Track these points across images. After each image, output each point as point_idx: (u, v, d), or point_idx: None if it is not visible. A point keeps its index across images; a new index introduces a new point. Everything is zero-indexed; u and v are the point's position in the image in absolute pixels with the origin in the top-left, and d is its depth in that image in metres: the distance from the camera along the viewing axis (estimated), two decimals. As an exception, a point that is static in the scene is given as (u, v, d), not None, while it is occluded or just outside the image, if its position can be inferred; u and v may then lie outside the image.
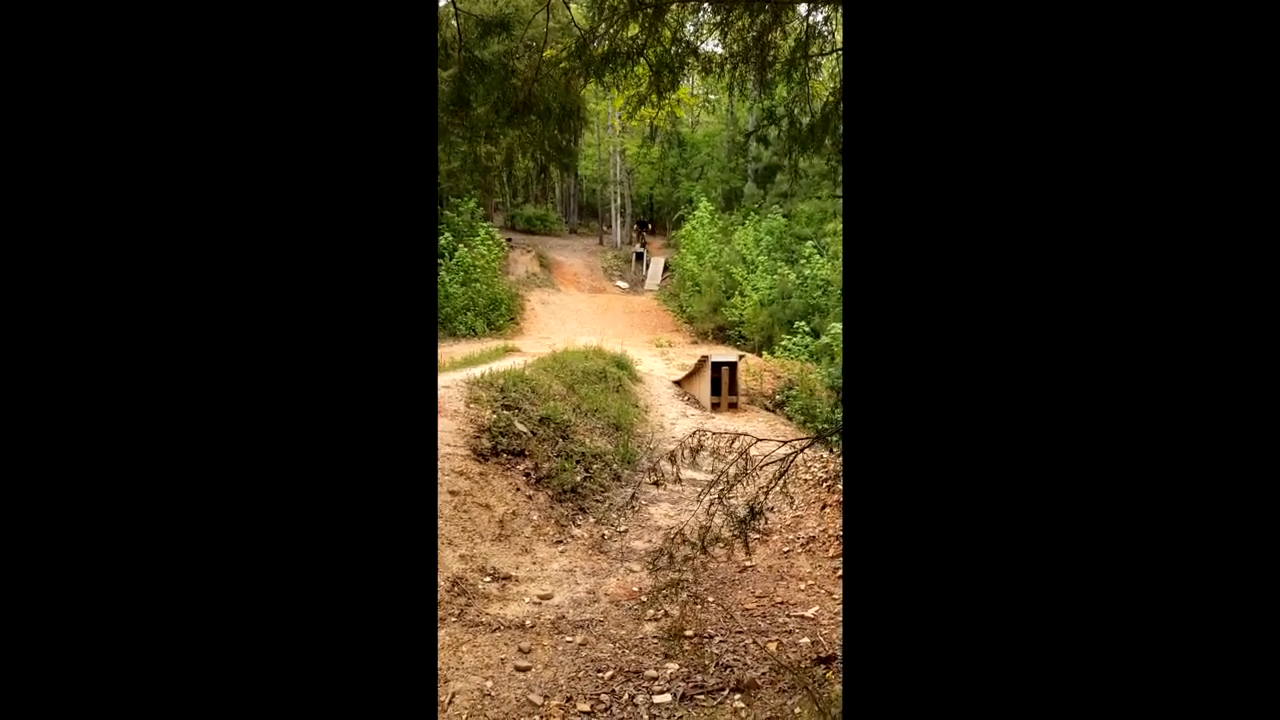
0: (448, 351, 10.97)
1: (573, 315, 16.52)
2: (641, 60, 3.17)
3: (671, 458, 3.23)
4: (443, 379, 6.30)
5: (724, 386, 8.61)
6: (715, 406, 8.55)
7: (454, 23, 4.40)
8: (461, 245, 16.99)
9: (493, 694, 2.90)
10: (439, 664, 3.08)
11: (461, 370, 7.27)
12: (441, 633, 3.34)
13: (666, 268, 20.28)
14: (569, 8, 3.35)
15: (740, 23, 3.55)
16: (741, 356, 9.78)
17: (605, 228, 25.45)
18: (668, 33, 3.19)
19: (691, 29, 3.77)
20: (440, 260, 16.74)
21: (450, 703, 2.85)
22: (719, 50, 3.87)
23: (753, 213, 19.09)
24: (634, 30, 3.12)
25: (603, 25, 3.27)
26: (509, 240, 19.90)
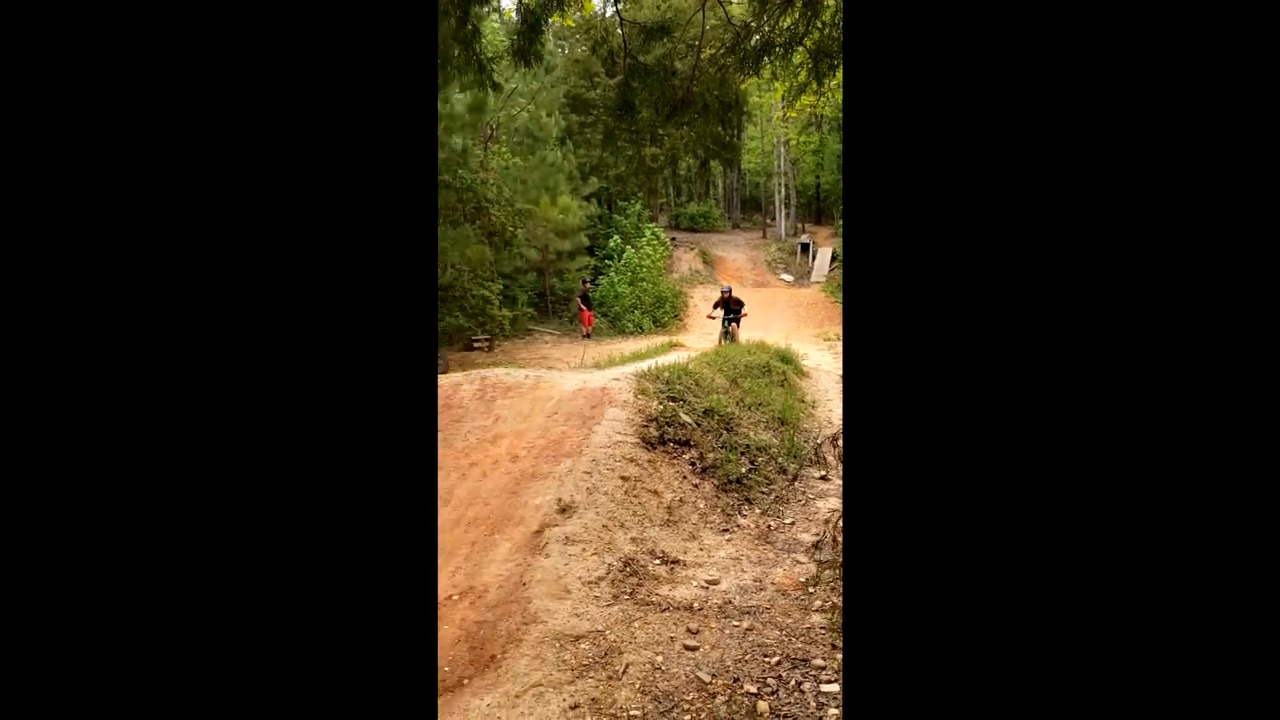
0: (617, 348, 11.48)
1: (737, 310, 16.46)
2: (799, 49, 3.15)
3: (834, 440, 3.19)
4: (612, 372, 6.64)
5: (897, 379, 8.17)
6: (887, 400, 8.15)
7: (619, 30, 4.66)
8: (629, 247, 17.60)
9: (663, 668, 3.05)
10: (614, 636, 3.29)
11: (630, 365, 7.60)
12: (615, 608, 3.55)
13: (834, 259, 19.57)
14: (723, 6, 3.41)
15: None
16: (916, 348, 9.21)
17: (769, 220, 25.08)
18: (826, 18, 3.15)
19: (853, 9, 3.66)
20: (610, 262, 17.46)
21: (625, 672, 3.04)
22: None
23: (928, 195, 17.88)
24: (790, 20, 3.11)
25: (762, 17, 3.29)
26: (673, 239, 20.33)
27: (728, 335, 11.20)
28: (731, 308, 11.11)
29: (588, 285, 16.43)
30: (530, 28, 2.51)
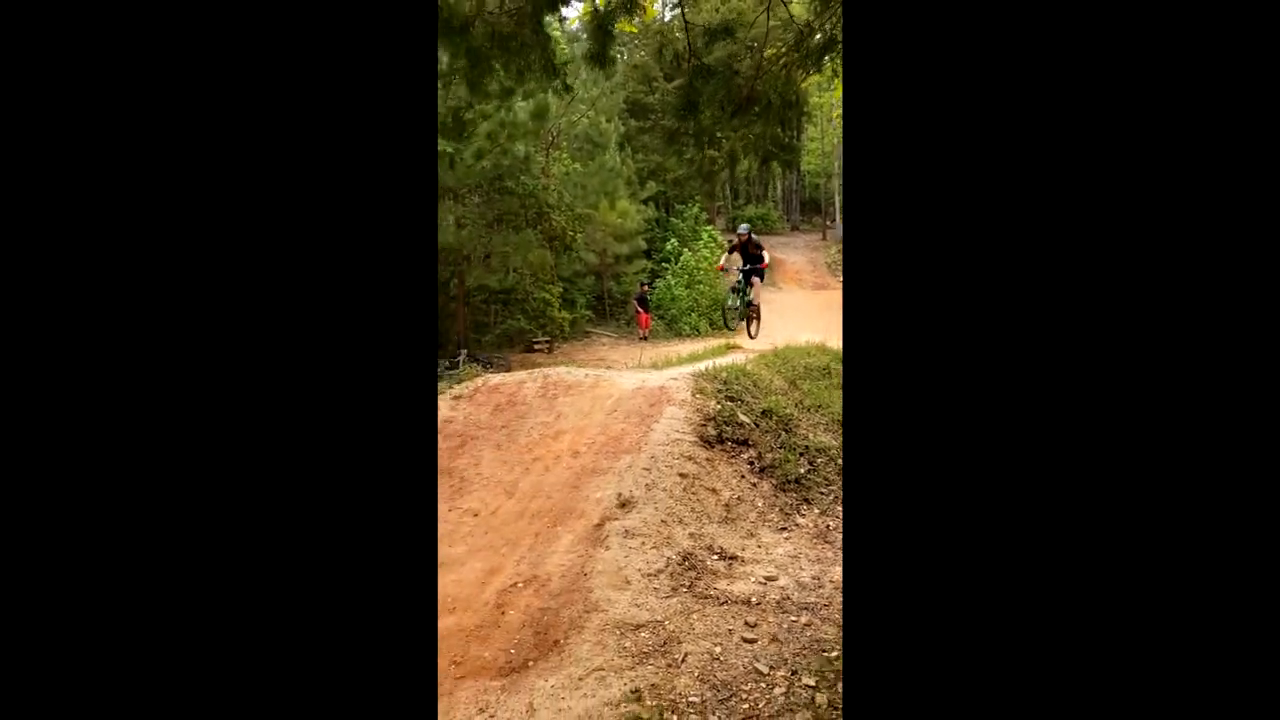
0: (674, 349, 11.55)
1: (794, 312, 16.32)
2: (862, 45, 3.15)
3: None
4: (670, 372, 6.71)
5: (962, 382, 7.90)
6: (952, 404, 7.89)
7: (678, 35, 4.74)
8: (686, 250, 17.65)
9: (721, 659, 3.10)
10: (673, 627, 3.35)
11: (687, 365, 7.65)
12: (674, 600, 3.61)
13: (896, 260, 19.13)
14: (786, 6, 3.45)
15: None
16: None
17: (828, 222, 24.72)
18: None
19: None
20: (667, 265, 17.54)
21: (683, 661, 3.10)
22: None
23: (997, 194, 17.31)
24: (854, 16, 3.10)
25: (824, 15, 3.30)
26: (729, 242, 20.24)
27: (744, 299, 8.10)
28: (750, 254, 7.96)
29: (645, 288, 16.55)
30: (604, 32, 2.62)
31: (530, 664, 3.14)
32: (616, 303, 17.97)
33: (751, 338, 8.15)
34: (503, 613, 3.56)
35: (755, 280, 7.97)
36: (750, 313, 8.18)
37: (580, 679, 2.93)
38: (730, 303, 8.34)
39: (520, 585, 3.75)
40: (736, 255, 8.25)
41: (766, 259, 8.01)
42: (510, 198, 13.40)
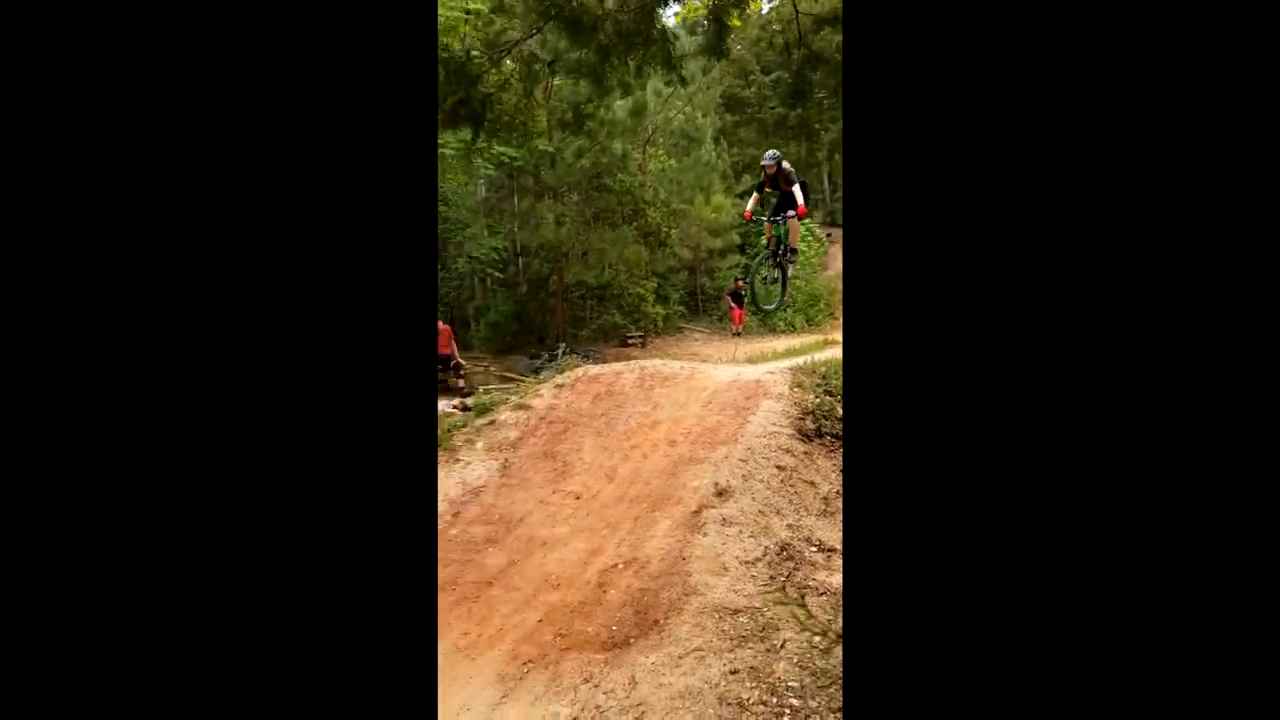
0: (769, 345, 11.47)
1: (896, 309, 15.73)
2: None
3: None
4: (766, 366, 6.70)
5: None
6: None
7: (776, 27, 4.71)
8: (781, 244, 17.41)
9: (820, 648, 3.10)
10: (771, 614, 3.38)
11: (783, 360, 7.60)
12: (772, 588, 3.64)
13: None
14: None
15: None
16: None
17: (933, 215, 23.60)
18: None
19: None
20: (761, 259, 17.36)
21: (782, 647, 3.13)
22: None
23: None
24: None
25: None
26: (828, 235, 19.79)
27: (779, 259, 5.86)
28: (783, 188, 5.60)
29: (739, 283, 16.45)
30: (719, 24, 2.70)
31: (631, 641, 3.26)
32: (709, 298, 17.97)
33: (783, 287, 6.17)
34: (604, 591, 3.70)
35: (790, 215, 5.66)
36: (788, 260, 5.95)
37: (680, 657, 3.02)
38: (764, 273, 6.05)
39: (621, 566, 3.88)
40: (765, 195, 5.87)
41: (801, 199, 5.48)
42: (608, 195, 13.69)
